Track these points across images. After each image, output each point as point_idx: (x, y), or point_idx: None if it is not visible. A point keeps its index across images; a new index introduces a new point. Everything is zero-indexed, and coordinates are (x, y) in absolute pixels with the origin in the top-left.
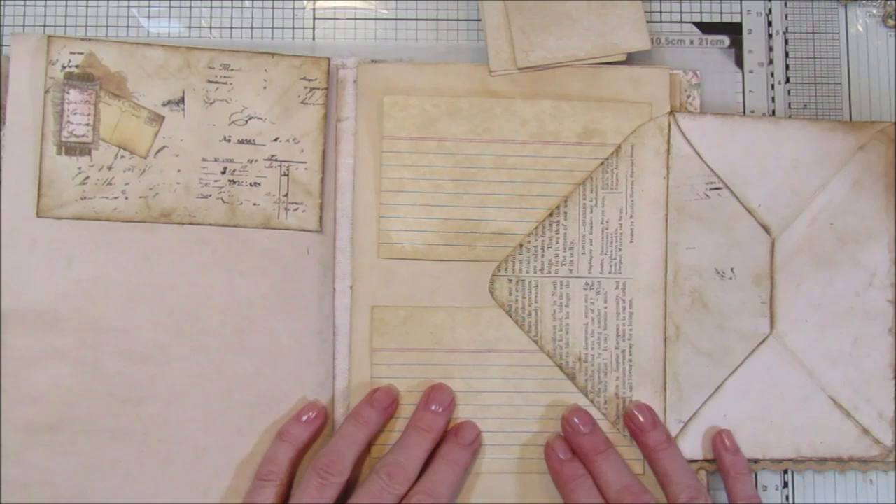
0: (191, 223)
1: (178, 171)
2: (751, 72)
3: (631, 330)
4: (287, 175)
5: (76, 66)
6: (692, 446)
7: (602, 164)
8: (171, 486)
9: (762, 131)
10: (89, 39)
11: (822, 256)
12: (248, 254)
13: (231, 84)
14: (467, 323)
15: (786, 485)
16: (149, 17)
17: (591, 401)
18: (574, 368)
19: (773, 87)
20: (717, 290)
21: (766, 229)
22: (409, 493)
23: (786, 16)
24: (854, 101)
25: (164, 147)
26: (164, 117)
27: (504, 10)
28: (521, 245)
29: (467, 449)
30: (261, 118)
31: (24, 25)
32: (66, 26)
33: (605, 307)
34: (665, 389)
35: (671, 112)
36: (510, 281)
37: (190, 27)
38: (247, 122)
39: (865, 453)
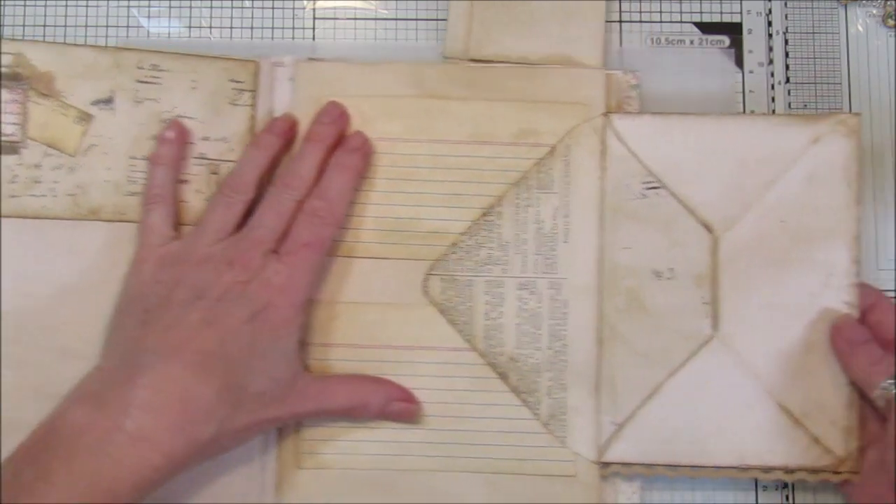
0: (119, 220)
1: (107, 169)
2: (751, 72)
3: (565, 330)
4: (216, 174)
5: (6, 67)
6: (627, 449)
7: (537, 164)
8: None
9: (705, 129)
10: (19, 39)
11: (773, 255)
12: None
13: (160, 84)
14: (399, 320)
15: (786, 485)
16: (149, 17)
17: (524, 401)
18: (506, 368)
19: (773, 87)
20: (655, 291)
21: (708, 228)
22: (305, 200)
23: (786, 16)
24: (854, 101)
25: (92, 145)
26: (93, 116)
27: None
28: (454, 244)
29: (356, 153)
30: (190, 117)
31: (24, 25)
32: (66, 26)
33: (539, 307)
34: (599, 390)
35: (606, 113)
36: (443, 280)
37: (190, 27)
38: None
39: (815, 462)
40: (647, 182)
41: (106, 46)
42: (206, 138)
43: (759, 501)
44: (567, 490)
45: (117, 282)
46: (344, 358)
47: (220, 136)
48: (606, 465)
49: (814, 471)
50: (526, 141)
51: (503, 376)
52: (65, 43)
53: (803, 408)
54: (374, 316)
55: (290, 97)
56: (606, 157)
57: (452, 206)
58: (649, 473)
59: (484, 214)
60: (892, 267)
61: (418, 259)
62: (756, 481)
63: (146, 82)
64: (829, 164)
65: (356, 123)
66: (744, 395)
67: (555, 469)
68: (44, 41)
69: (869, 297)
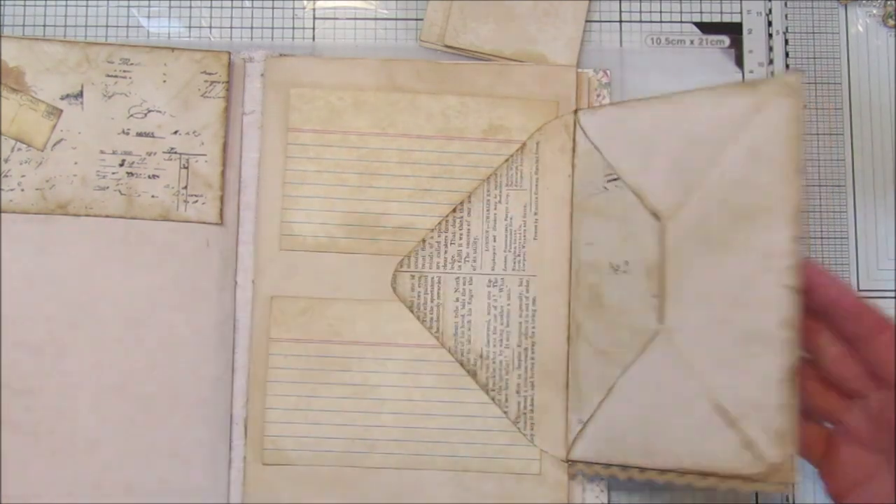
0: (87, 215)
1: (76, 163)
2: (751, 72)
3: (534, 328)
4: (187, 168)
5: None
6: (587, 448)
7: (507, 160)
8: (62, 479)
9: (659, 112)
10: None
11: (713, 239)
12: (145, 245)
13: (130, 78)
14: (367, 316)
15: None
16: (149, 17)
17: (492, 398)
18: (475, 365)
19: None
20: (613, 285)
21: (656, 215)
22: None
23: (786, 16)
24: (854, 100)
25: (61, 140)
26: (62, 111)
27: None
28: (423, 240)
29: None
30: (160, 111)
31: (23, 25)
32: (65, 26)
33: (509, 304)
34: (567, 388)
35: (576, 110)
36: (413, 276)
37: (190, 27)
38: (146, 115)
39: (747, 469)
40: (608, 175)
41: (76, 41)
42: (176, 132)
43: (760, 502)
44: (535, 488)
45: (82, 277)
46: (311, 353)
47: (191, 129)
48: (573, 463)
49: (746, 479)
50: (496, 137)
51: (472, 373)
52: (34, 38)
53: (739, 408)
54: (341, 311)
55: (261, 93)
56: (576, 154)
57: (421, 202)
58: (606, 474)
59: (453, 211)
60: (892, 267)
61: (387, 255)
62: None
63: (116, 76)
64: (773, 135)
65: (325, 117)
66: (683, 395)
67: (522, 467)
68: (13, 36)
69: (812, 275)
